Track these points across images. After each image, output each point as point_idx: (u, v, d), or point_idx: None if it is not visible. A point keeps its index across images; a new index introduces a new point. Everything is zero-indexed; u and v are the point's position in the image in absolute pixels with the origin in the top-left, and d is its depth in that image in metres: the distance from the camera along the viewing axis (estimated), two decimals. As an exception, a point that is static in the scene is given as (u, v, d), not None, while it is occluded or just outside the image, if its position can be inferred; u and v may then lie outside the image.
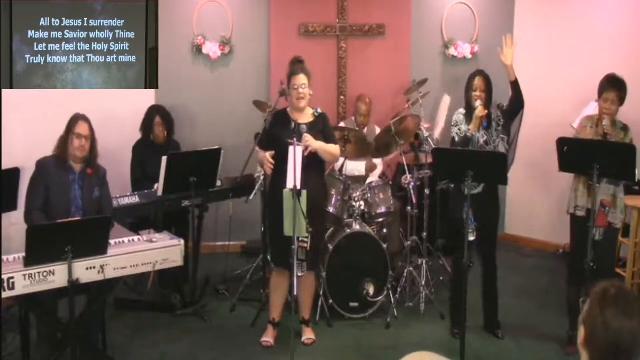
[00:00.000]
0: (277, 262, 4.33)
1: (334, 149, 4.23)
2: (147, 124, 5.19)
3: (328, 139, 4.20)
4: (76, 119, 4.07)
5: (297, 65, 4.26)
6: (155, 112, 5.20)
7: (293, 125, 3.95)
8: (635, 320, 1.70)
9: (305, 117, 4.20)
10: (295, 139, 3.87)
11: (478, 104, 4.22)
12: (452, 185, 4.53)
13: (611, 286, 1.76)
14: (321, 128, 4.19)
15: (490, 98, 4.32)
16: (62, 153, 4.05)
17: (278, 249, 4.22)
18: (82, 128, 4.03)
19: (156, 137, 5.17)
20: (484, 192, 4.27)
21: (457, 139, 4.32)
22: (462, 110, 4.41)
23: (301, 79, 4.13)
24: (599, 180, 4.02)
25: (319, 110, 4.19)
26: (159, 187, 4.58)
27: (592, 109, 5.19)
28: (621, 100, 4.14)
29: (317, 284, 4.65)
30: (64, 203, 4.01)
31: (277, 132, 4.14)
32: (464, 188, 4.25)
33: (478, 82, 4.30)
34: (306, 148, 4.00)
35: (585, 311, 1.77)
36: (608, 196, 4.14)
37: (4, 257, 3.47)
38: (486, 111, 4.23)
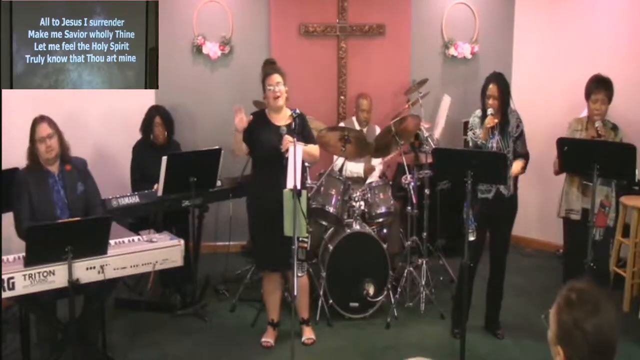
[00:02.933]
0: (266, 266, 4.32)
1: (314, 149, 4.21)
2: (147, 124, 5.18)
3: (307, 140, 4.17)
4: (34, 124, 3.98)
5: (268, 66, 4.23)
6: (155, 112, 5.20)
7: (293, 126, 3.93)
8: (607, 312, 1.67)
9: (284, 118, 4.11)
10: (295, 139, 3.87)
11: (489, 112, 4.13)
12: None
13: (570, 291, 1.71)
14: (300, 129, 4.11)
15: (506, 103, 4.20)
16: (33, 162, 4.00)
17: (265, 253, 4.21)
18: (41, 131, 3.94)
19: (156, 138, 5.17)
20: (497, 196, 4.26)
21: (470, 144, 4.28)
22: (478, 113, 4.30)
23: (275, 78, 4.09)
24: (597, 180, 4.03)
25: (297, 111, 4.03)
26: (158, 187, 4.58)
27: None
28: (609, 99, 4.15)
29: (314, 282, 4.66)
30: (48, 209, 3.95)
31: (257, 135, 4.10)
32: (477, 191, 4.24)
33: (492, 89, 4.16)
34: (286, 150, 3.92)
35: (554, 329, 1.71)
36: (602, 197, 4.15)
37: (4, 257, 3.47)
38: (496, 121, 4.13)
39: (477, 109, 4.34)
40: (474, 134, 4.27)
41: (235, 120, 4.02)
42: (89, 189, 4.15)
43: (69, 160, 4.09)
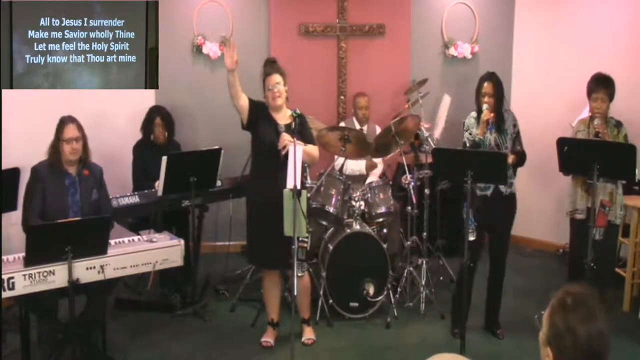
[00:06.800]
0: (257, 263, 4.33)
1: (313, 149, 4.21)
2: (147, 125, 5.19)
3: (306, 140, 4.16)
4: (63, 123, 3.99)
5: (268, 65, 4.23)
6: (155, 113, 5.20)
7: (293, 126, 3.93)
8: (600, 320, 1.65)
9: (284, 118, 4.14)
10: (295, 139, 3.87)
11: (484, 108, 4.18)
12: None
13: (566, 295, 1.70)
14: (299, 129, 4.09)
15: (501, 101, 4.27)
16: (55, 159, 3.99)
17: (257, 250, 4.21)
18: (70, 132, 3.96)
19: (156, 138, 5.17)
20: (496, 193, 4.26)
21: (467, 144, 4.29)
22: (473, 114, 4.35)
23: (275, 78, 4.11)
24: (597, 179, 4.03)
25: (298, 111, 4.02)
26: (159, 186, 4.58)
27: (592, 109, 5.20)
28: (610, 97, 4.17)
29: (313, 283, 4.66)
30: (61, 210, 3.94)
31: (258, 125, 4.11)
32: (476, 189, 4.25)
33: (487, 87, 4.24)
34: (284, 147, 3.95)
35: (546, 330, 1.70)
36: (606, 195, 4.16)
37: (4, 257, 3.47)
38: (492, 114, 4.18)
39: (472, 111, 4.39)
40: (470, 134, 4.30)
41: (225, 60, 3.99)
42: (102, 199, 4.16)
43: (89, 166, 4.09)
